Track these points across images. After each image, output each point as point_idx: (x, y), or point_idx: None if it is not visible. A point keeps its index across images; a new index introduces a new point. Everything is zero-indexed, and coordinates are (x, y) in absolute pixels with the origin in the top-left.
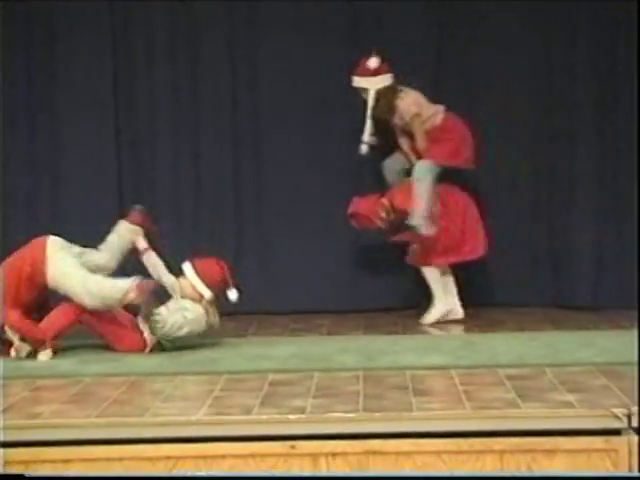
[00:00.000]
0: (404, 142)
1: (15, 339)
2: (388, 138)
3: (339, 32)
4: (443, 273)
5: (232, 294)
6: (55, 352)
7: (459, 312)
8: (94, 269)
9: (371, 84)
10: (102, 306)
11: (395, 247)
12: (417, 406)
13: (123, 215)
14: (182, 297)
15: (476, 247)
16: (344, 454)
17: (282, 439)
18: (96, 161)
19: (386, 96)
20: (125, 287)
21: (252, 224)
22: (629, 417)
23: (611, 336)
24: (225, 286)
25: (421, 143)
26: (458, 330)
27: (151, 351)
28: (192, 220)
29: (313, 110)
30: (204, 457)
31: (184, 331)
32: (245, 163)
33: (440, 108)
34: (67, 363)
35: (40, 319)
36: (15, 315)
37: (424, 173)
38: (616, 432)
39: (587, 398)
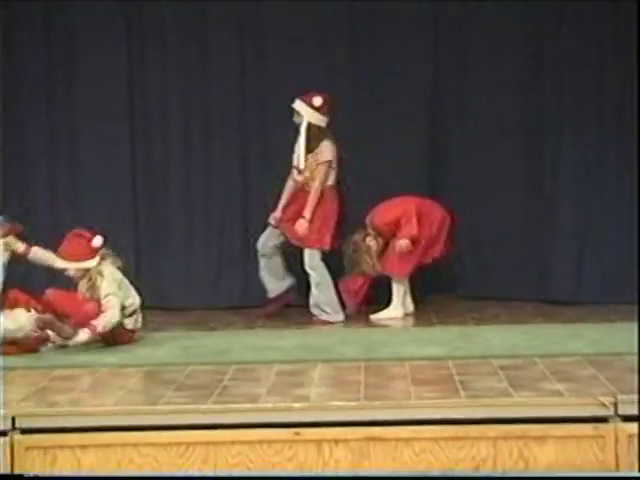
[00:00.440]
0: (290, 186)
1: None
2: None
3: (344, 31)
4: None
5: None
6: None
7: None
8: None
9: (307, 114)
10: None
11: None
12: (415, 395)
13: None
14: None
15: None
16: (346, 440)
17: (287, 426)
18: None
19: (315, 131)
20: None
21: (258, 224)
22: (615, 405)
23: (599, 329)
24: (93, 252)
25: (316, 188)
26: (454, 323)
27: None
28: (202, 220)
29: None
30: (213, 443)
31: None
32: (253, 162)
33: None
34: (83, 354)
35: None
36: None
37: (317, 262)
38: (603, 419)
39: (576, 387)
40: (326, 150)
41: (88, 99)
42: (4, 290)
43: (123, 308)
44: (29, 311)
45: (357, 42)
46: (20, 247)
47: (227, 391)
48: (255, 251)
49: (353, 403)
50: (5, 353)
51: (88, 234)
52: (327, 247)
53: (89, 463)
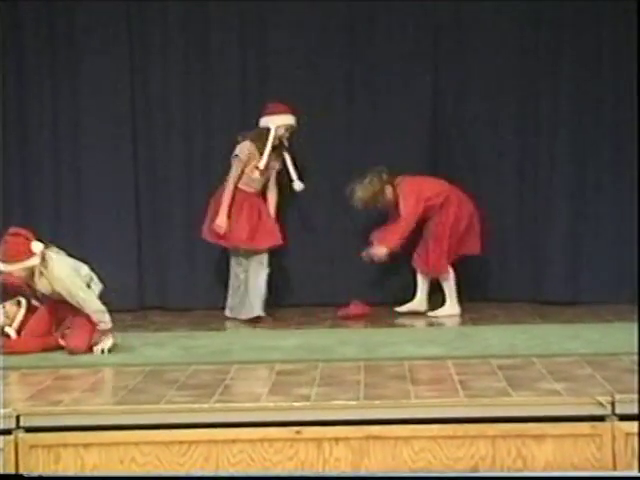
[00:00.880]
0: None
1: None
2: None
3: (342, 30)
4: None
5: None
6: None
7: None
8: None
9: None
10: None
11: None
12: (414, 394)
13: None
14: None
15: (473, 246)
16: (346, 439)
17: (288, 425)
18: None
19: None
20: None
21: None
22: (613, 404)
23: (596, 329)
24: (32, 250)
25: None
26: (454, 323)
27: None
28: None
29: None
30: (215, 442)
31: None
32: None
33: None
34: (86, 354)
35: None
36: None
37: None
38: (600, 418)
39: (574, 387)
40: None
41: (91, 99)
42: None
43: (87, 285)
44: None
45: (356, 39)
46: None
47: (229, 390)
48: None
49: (353, 402)
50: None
51: (24, 231)
52: (243, 246)
53: (92, 461)
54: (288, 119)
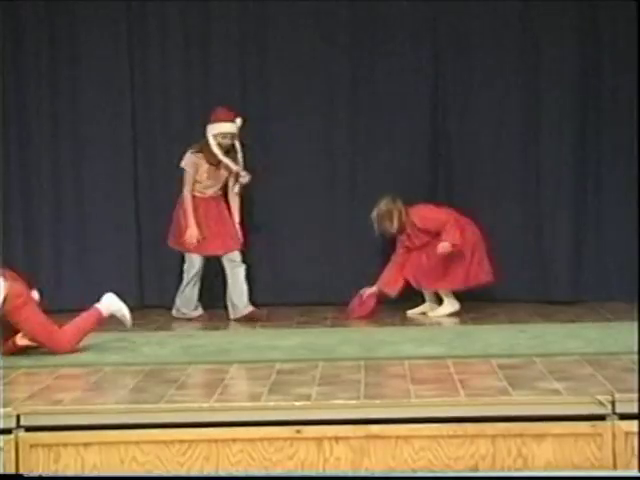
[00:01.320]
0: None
1: None
2: None
3: (344, 29)
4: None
5: None
6: None
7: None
8: None
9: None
10: None
11: (393, 243)
12: (415, 393)
13: None
14: None
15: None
16: (346, 438)
17: (288, 424)
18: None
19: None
20: None
21: (259, 223)
22: (613, 403)
23: (596, 328)
24: None
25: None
26: (454, 322)
27: None
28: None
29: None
30: (215, 441)
31: None
32: (252, 157)
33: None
34: (87, 353)
35: None
36: None
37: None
38: (601, 418)
39: (574, 386)
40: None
41: (90, 98)
42: None
43: None
44: None
45: (356, 34)
46: None
47: (229, 390)
48: (258, 250)
49: (353, 401)
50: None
51: None
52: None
53: (92, 461)
54: (224, 127)
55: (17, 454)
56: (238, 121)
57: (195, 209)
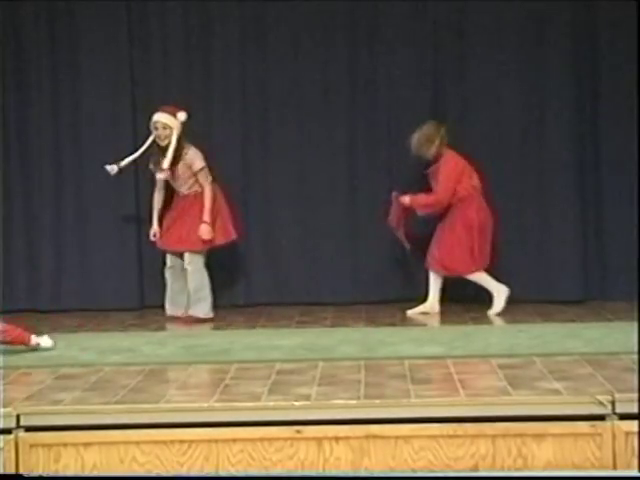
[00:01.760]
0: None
1: None
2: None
3: (342, 30)
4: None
5: None
6: None
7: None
8: None
9: (176, 127)
10: None
11: (393, 242)
12: (415, 393)
13: None
14: None
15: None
16: (346, 438)
17: (288, 424)
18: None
19: (181, 143)
20: None
21: (259, 222)
22: (613, 403)
23: (596, 328)
24: None
25: (208, 195)
26: (453, 322)
27: None
28: None
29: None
30: (215, 441)
31: None
32: (252, 158)
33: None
34: (87, 353)
35: None
36: None
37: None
38: (600, 417)
39: (574, 386)
40: (196, 158)
41: (90, 98)
42: None
43: None
44: None
45: (356, 39)
46: None
47: (229, 390)
48: (257, 250)
49: (353, 401)
50: None
51: None
52: (199, 248)
53: (92, 460)
54: (154, 116)
55: (17, 454)
56: (179, 115)
57: (171, 207)
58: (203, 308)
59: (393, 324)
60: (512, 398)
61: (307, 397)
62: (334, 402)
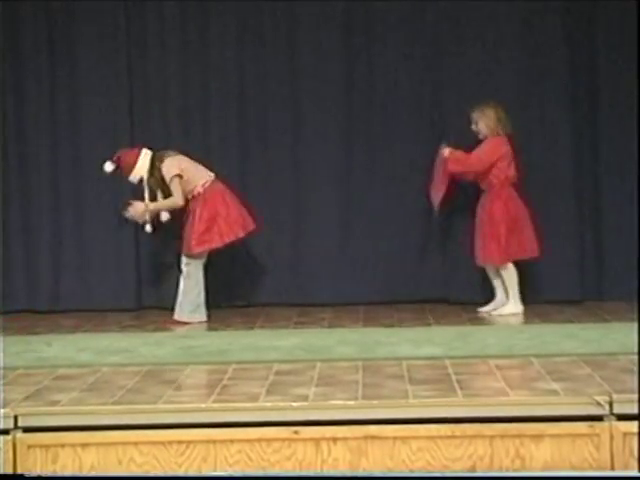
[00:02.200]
0: None
1: None
2: None
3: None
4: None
5: None
6: None
7: (506, 308)
8: None
9: (138, 174)
10: None
11: (393, 242)
12: (413, 394)
13: None
14: None
15: (526, 247)
16: (344, 439)
17: (286, 425)
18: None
19: (153, 175)
20: None
21: (259, 222)
22: (611, 404)
23: (594, 328)
24: None
25: (179, 201)
26: (451, 323)
27: None
28: None
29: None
30: (213, 442)
31: None
32: (249, 158)
33: (208, 176)
34: (85, 354)
35: None
36: None
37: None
38: (598, 418)
39: (572, 386)
40: (169, 169)
41: (89, 97)
42: None
43: None
44: None
45: (355, 39)
46: None
47: (227, 390)
48: (257, 250)
49: (351, 402)
50: None
51: None
52: (192, 251)
53: (90, 461)
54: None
55: (15, 455)
56: (106, 166)
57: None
58: (184, 312)
59: (391, 325)
60: (510, 399)
61: (305, 398)
62: (332, 403)
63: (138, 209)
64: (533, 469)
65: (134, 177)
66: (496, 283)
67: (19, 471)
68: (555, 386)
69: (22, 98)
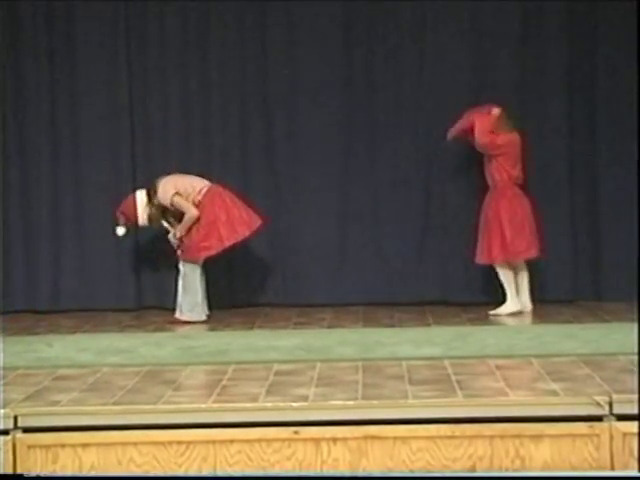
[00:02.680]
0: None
1: None
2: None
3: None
4: (516, 271)
5: None
6: None
7: (527, 306)
8: None
9: (145, 214)
10: None
11: (393, 242)
12: (412, 394)
13: None
14: None
15: (530, 247)
16: (344, 439)
17: (286, 425)
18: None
19: (153, 213)
20: None
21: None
22: (610, 404)
23: (593, 329)
24: None
25: (192, 211)
26: (451, 323)
27: None
28: None
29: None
30: (213, 442)
31: None
32: (250, 159)
33: (203, 183)
34: (85, 354)
35: None
36: None
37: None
38: (598, 418)
39: (571, 387)
40: (166, 190)
41: (89, 98)
42: None
43: None
44: None
45: (356, 38)
46: None
47: (226, 391)
48: (259, 251)
49: (351, 402)
50: None
51: None
52: (190, 259)
53: (90, 462)
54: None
55: (15, 455)
56: (118, 231)
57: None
58: (183, 312)
59: (391, 325)
60: (510, 399)
61: (305, 398)
62: (332, 403)
63: (174, 240)
64: (533, 469)
65: (143, 220)
66: (519, 283)
67: (19, 471)
68: (555, 386)
69: (22, 98)
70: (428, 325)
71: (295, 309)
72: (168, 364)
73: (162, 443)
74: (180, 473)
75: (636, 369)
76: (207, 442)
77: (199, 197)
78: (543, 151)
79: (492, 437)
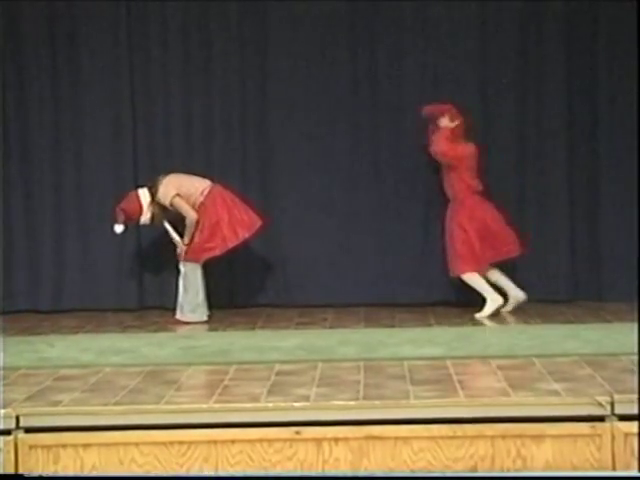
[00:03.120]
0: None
1: None
2: None
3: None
4: (485, 272)
5: None
6: None
7: (520, 295)
8: None
9: (149, 212)
10: None
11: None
12: (414, 394)
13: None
14: None
15: (510, 247)
16: (346, 439)
17: (288, 425)
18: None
19: (155, 212)
20: None
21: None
22: (612, 404)
23: (595, 329)
24: None
25: (191, 215)
26: (452, 323)
27: None
28: None
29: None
30: (215, 442)
31: None
32: (251, 159)
33: (205, 183)
34: (87, 354)
35: None
36: None
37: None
38: (600, 419)
39: (573, 387)
40: (167, 191)
41: (90, 98)
42: None
43: None
44: None
45: (357, 38)
46: None
47: (228, 391)
48: (260, 251)
49: (353, 402)
50: None
51: None
52: (195, 260)
53: (91, 462)
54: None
55: (16, 455)
56: (116, 229)
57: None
58: (184, 312)
59: (392, 325)
60: (511, 399)
61: (306, 398)
62: (333, 403)
63: (181, 248)
64: (534, 469)
65: (145, 219)
66: (501, 282)
67: (21, 471)
68: (556, 386)
69: (24, 97)
70: (430, 325)
71: (297, 309)
72: (170, 364)
73: (164, 443)
74: (181, 473)
75: (638, 369)
76: (208, 442)
77: (201, 198)
78: (543, 151)
79: (494, 437)
